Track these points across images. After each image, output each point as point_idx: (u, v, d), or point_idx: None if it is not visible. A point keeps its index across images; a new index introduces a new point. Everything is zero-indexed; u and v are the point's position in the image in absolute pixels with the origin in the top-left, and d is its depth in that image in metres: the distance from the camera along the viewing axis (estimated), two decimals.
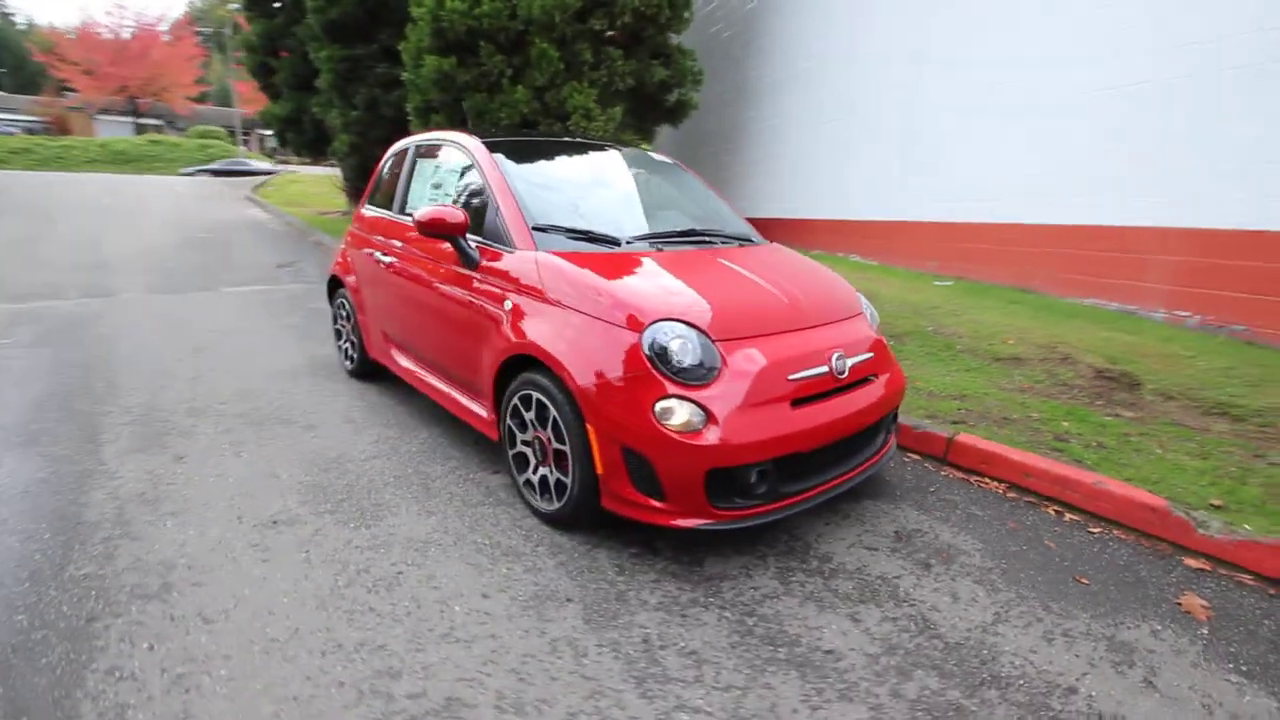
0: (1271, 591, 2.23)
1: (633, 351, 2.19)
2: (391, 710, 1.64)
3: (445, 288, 2.95)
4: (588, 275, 2.41)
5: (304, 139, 13.37)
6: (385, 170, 3.91)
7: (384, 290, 3.56)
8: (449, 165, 3.25)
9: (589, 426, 2.23)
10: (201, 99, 42.88)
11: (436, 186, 3.32)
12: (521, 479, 2.60)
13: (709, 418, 2.11)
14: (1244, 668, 1.90)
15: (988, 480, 2.99)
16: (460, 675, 1.76)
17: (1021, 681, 1.81)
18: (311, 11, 10.36)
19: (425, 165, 3.52)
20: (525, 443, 2.56)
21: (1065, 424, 3.41)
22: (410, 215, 3.40)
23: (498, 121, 7.97)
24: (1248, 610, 2.15)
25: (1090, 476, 2.75)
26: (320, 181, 21.03)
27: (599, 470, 2.24)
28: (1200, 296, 4.63)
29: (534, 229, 2.64)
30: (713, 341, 2.22)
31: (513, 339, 2.50)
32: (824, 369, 2.34)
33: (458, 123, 8.48)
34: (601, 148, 3.58)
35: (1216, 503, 2.61)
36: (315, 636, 1.89)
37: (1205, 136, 4.54)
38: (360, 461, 3.03)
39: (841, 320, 2.61)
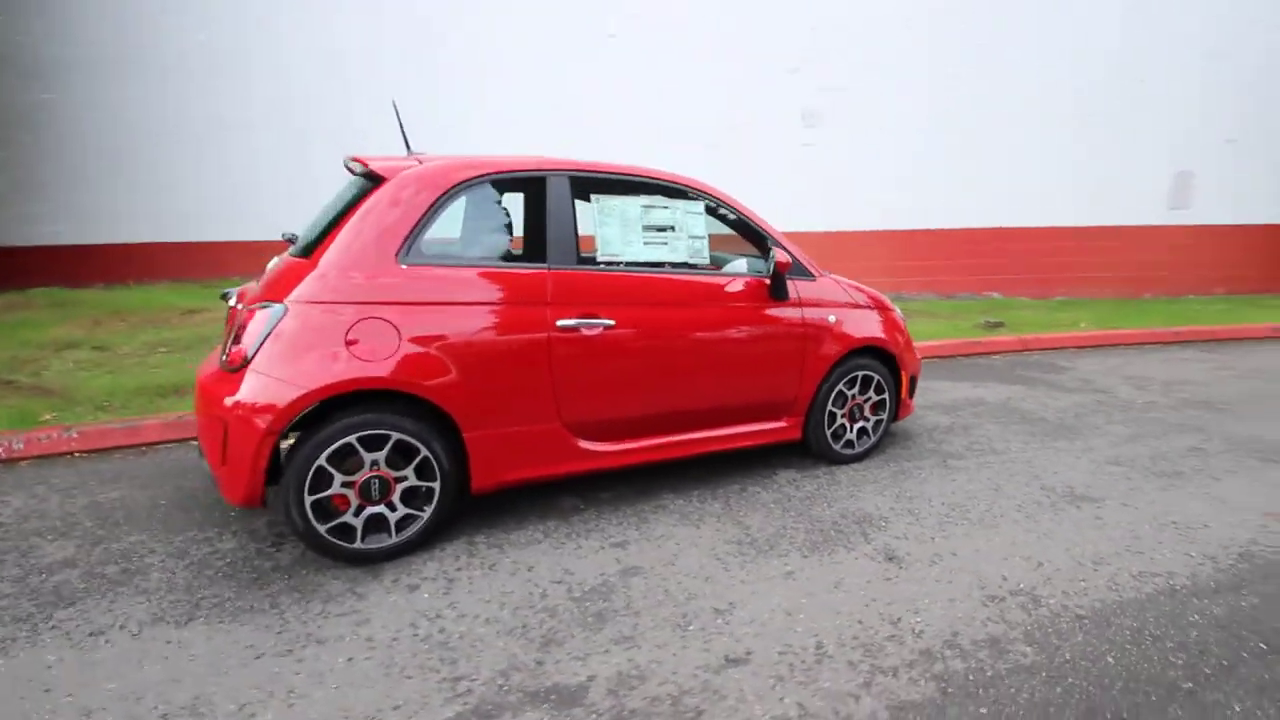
0: None
1: (899, 321, 3.73)
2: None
3: (745, 328, 3.19)
4: (862, 285, 3.64)
5: None
6: (490, 210, 2.85)
7: (591, 365, 2.81)
8: (682, 207, 3.07)
9: (902, 372, 3.67)
10: None
11: (661, 230, 2.90)
12: (841, 442, 3.56)
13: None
14: None
15: None
16: None
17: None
18: None
19: (616, 205, 2.87)
20: (842, 414, 3.51)
21: None
22: (606, 263, 2.90)
23: None
24: None
25: None
26: None
27: (903, 396, 3.68)
28: None
29: None
30: None
31: (854, 337, 3.46)
32: None
33: None
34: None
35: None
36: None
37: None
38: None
39: None
